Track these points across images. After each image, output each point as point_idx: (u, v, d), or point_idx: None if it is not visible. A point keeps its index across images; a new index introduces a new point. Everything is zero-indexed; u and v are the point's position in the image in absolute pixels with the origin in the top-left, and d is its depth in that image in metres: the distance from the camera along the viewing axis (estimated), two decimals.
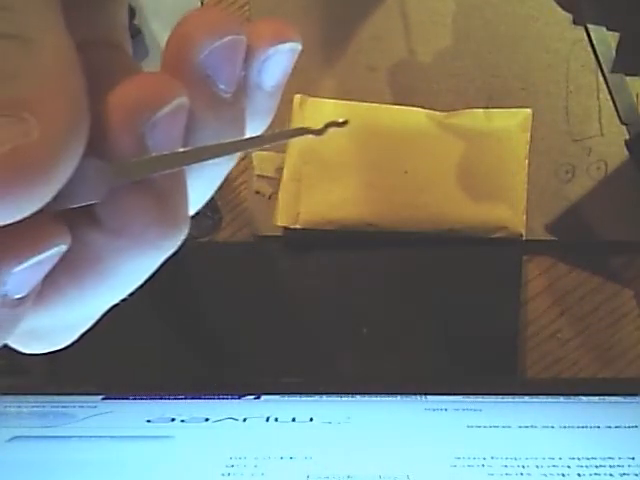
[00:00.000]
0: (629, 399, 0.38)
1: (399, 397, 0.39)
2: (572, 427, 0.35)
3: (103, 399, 0.40)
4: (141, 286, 0.17)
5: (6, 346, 0.16)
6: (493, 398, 0.38)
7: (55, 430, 0.36)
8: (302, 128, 0.16)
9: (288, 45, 0.17)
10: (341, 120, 0.16)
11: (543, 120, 0.46)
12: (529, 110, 0.46)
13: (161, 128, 0.15)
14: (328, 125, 0.16)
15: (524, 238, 0.46)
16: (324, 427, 0.36)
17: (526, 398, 0.38)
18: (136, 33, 0.50)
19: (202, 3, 0.49)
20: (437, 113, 0.47)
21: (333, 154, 0.46)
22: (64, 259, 0.15)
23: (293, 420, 0.36)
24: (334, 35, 0.48)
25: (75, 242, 0.15)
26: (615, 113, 0.46)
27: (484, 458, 0.32)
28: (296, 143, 0.47)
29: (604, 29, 0.46)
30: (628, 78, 0.46)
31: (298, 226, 0.46)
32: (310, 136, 0.16)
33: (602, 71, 0.46)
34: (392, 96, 0.47)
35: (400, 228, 0.46)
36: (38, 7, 0.14)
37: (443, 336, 0.46)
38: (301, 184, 0.46)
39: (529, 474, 0.31)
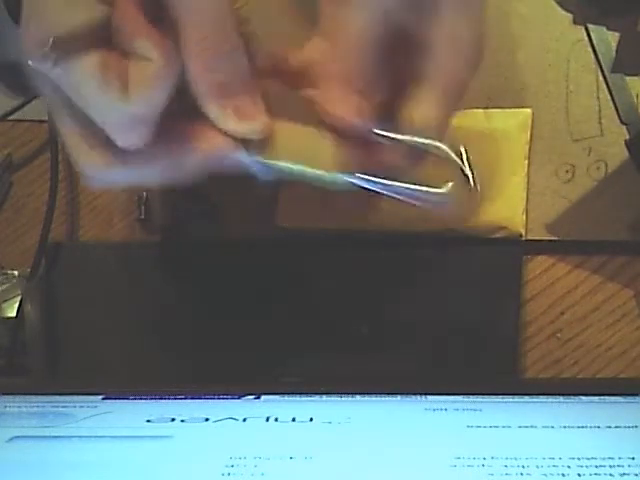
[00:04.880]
0: (629, 399, 0.38)
1: (399, 397, 0.39)
2: (572, 427, 0.35)
3: (103, 399, 0.40)
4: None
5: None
6: (493, 398, 0.38)
7: (55, 430, 0.36)
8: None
9: None
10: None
11: (543, 120, 0.46)
12: (529, 110, 0.46)
13: None
14: None
15: (524, 238, 0.46)
16: (324, 427, 0.36)
17: (526, 398, 0.38)
18: None
19: None
20: None
21: None
22: None
23: (293, 420, 0.36)
24: None
25: None
26: (615, 113, 0.46)
27: (484, 458, 0.32)
28: None
29: (604, 29, 0.46)
30: (628, 78, 0.46)
31: (298, 226, 0.46)
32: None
33: (602, 71, 0.46)
34: None
35: (400, 228, 0.46)
36: None
37: (443, 336, 0.46)
38: (301, 184, 0.46)
39: (529, 474, 0.31)
